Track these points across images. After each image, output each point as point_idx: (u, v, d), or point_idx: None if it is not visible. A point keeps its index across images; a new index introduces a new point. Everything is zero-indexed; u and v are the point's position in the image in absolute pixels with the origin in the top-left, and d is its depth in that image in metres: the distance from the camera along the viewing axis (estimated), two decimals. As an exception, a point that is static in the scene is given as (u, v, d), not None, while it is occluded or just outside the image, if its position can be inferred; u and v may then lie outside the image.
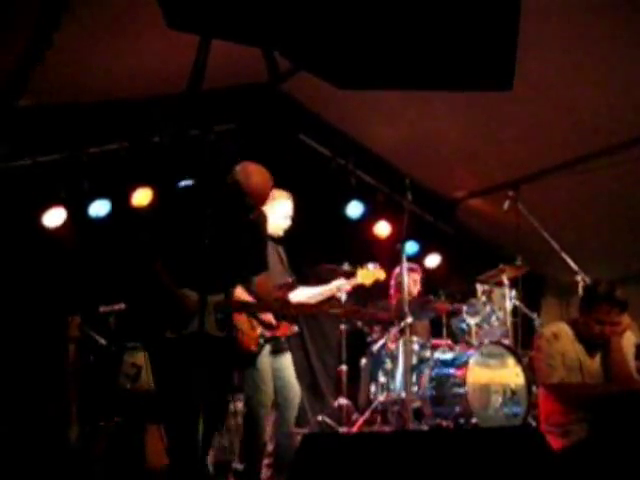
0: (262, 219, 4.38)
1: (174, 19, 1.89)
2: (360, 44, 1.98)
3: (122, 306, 5.75)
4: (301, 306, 4.74)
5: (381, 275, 5.30)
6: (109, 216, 6.51)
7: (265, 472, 5.04)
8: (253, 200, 4.05)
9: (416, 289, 6.92)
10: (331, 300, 5.21)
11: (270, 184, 4.16)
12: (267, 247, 4.52)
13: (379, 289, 6.90)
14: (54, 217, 6.25)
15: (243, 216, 4.09)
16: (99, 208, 6.48)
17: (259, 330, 4.58)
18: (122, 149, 6.54)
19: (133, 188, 6.57)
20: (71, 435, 5.22)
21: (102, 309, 5.72)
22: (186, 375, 3.42)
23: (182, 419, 3.08)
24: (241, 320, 4.41)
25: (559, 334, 4.23)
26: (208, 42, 2.07)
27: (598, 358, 4.18)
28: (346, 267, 5.52)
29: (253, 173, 4.09)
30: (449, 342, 6.63)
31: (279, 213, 5.08)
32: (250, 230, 4.20)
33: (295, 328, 4.91)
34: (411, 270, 6.78)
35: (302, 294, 5.12)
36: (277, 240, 5.20)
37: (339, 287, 5.14)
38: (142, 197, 6.56)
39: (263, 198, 4.14)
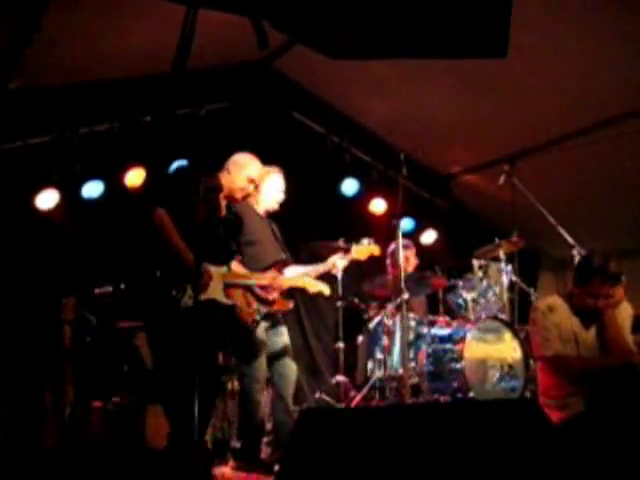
0: (237, 220, 4.73)
1: (161, -11, 1.86)
2: (352, 12, 1.95)
3: (120, 287, 5.76)
4: (289, 278, 4.94)
5: (375, 250, 5.29)
6: (102, 197, 6.46)
7: (265, 450, 5.06)
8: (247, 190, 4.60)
9: (410, 266, 6.91)
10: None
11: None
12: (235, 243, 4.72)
13: (375, 266, 6.91)
14: (47, 199, 6.20)
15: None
16: (92, 189, 6.44)
17: (255, 305, 4.62)
18: (114, 129, 6.48)
19: (126, 168, 6.53)
20: (68, 416, 5.23)
21: (97, 290, 5.71)
22: (198, 343, 3.53)
23: (190, 390, 3.08)
24: (236, 295, 4.47)
25: (554, 306, 4.22)
26: (195, 13, 2.03)
27: (593, 330, 4.17)
28: (341, 244, 5.52)
29: (246, 165, 4.63)
30: (446, 318, 6.63)
31: (273, 188, 5.18)
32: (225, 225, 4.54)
33: (291, 304, 4.95)
34: (404, 247, 6.76)
35: (297, 272, 5.13)
36: (271, 217, 5.24)
37: (334, 263, 5.14)
38: (135, 177, 6.53)
39: (258, 184, 4.72)
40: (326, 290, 4.97)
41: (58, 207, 6.24)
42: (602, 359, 4.10)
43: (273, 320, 5.00)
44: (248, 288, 4.65)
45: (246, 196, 4.68)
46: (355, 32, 1.99)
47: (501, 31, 1.95)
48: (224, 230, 4.47)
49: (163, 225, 4.11)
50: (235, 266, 4.62)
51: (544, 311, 4.24)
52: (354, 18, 1.95)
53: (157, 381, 4.91)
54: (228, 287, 4.37)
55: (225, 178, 4.59)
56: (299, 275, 5.07)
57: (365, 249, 5.24)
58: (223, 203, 4.57)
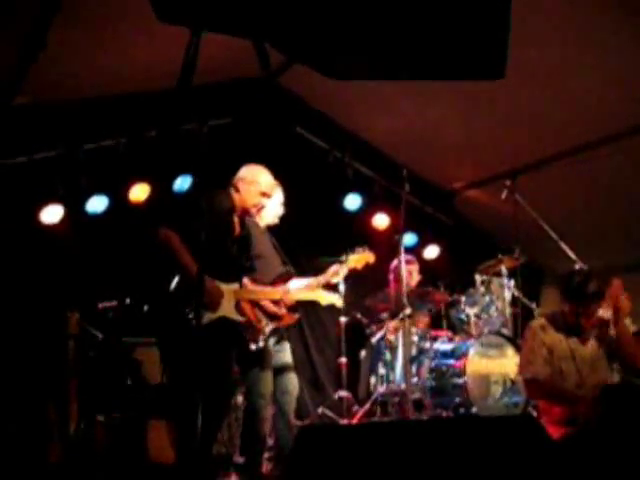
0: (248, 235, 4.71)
1: (163, 12, 1.89)
2: (352, 34, 1.98)
3: (125, 302, 5.78)
4: (300, 290, 4.94)
5: (370, 257, 5.29)
6: (107, 212, 6.50)
7: (266, 465, 5.06)
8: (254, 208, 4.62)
9: (413, 281, 6.92)
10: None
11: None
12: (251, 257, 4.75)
13: (378, 281, 6.92)
14: (52, 214, 6.25)
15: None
16: (96, 204, 6.48)
17: (264, 321, 4.64)
18: (119, 145, 6.53)
19: (130, 183, 6.57)
20: (72, 431, 5.23)
21: (101, 305, 5.72)
22: (215, 359, 3.53)
23: (197, 405, 3.06)
24: (247, 312, 4.47)
25: (546, 326, 4.26)
26: (198, 35, 2.07)
27: (590, 345, 4.20)
28: (342, 258, 5.51)
29: (255, 179, 4.61)
30: (448, 333, 6.63)
31: (275, 202, 5.16)
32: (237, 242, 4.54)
33: (296, 316, 4.98)
34: (407, 262, 6.79)
35: (299, 285, 5.13)
36: (274, 231, 5.25)
37: (333, 273, 5.13)
38: (139, 192, 6.57)
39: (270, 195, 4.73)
40: (338, 302, 5.02)
41: (62, 222, 6.28)
42: (574, 396, 4.11)
43: (279, 335, 5.02)
44: (257, 304, 4.66)
45: (260, 209, 4.72)
46: (354, 54, 2.02)
47: (499, 53, 1.98)
48: (237, 249, 4.49)
49: (170, 243, 4.15)
50: (246, 282, 4.65)
51: (536, 330, 4.28)
52: (353, 40, 1.99)
53: (167, 396, 4.92)
54: (240, 303, 4.41)
55: (235, 196, 4.58)
56: (307, 287, 5.06)
57: (360, 257, 5.25)
58: (236, 221, 4.58)
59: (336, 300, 5.00)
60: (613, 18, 5.35)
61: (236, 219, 4.58)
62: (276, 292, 4.71)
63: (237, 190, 4.60)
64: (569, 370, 4.17)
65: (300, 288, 5.00)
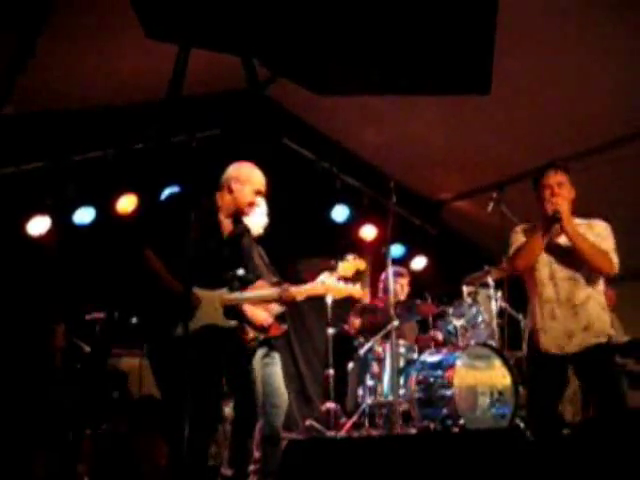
0: (244, 233, 4.49)
1: (152, 29, 1.89)
2: (339, 51, 1.99)
3: (113, 314, 5.74)
4: (300, 291, 4.64)
5: (361, 265, 5.18)
6: (94, 223, 6.49)
7: (251, 479, 5.03)
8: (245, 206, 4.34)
9: (404, 294, 6.92)
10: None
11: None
12: (252, 259, 4.61)
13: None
14: (39, 225, 6.24)
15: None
16: (84, 215, 6.48)
17: (252, 334, 4.59)
18: (106, 156, 6.53)
19: (118, 195, 6.57)
20: (58, 444, 5.20)
21: (87, 317, 5.70)
22: (199, 370, 3.47)
23: (185, 417, 3.03)
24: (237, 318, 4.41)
25: (527, 229, 4.48)
26: (187, 51, 2.08)
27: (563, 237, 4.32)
28: (332, 264, 5.45)
29: (249, 179, 4.37)
30: (438, 337, 6.65)
31: (259, 212, 5.10)
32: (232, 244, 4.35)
33: (285, 326, 4.92)
34: (399, 275, 6.81)
35: None
36: (259, 241, 5.21)
37: (323, 282, 5.01)
38: (127, 204, 6.57)
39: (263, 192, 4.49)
40: (358, 292, 4.71)
41: (49, 233, 6.26)
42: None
43: (268, 347, 4.99)
44: (243, 315, 4.60)
45: (253, 207, 4.47)
46: (342, 70, 2.03)
47: (484, 69, 2.00)
48: (229, 250, 4.28)
49: (152, 266, 3.99)
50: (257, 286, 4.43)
51: (518, 231, 4.51)
52: (341, 57, 2.00)
53: (156, 409, 4.89)
54: (231, 309, 4.18)
55: (226, 197, 4.33)
56: (315, 282, 4.93)
57: (351, 265, 5.18)
58: (226, 222, 4.34)
59: (356, 291, 4.67)
60: (596, 29, 5.40)
61: (224, 220, 4.33)
62: (273, 292, 4.43)
63: (230, 191, 4.32)
64: (542, 262, 4.33)
65: (302, 286, 4.73)
